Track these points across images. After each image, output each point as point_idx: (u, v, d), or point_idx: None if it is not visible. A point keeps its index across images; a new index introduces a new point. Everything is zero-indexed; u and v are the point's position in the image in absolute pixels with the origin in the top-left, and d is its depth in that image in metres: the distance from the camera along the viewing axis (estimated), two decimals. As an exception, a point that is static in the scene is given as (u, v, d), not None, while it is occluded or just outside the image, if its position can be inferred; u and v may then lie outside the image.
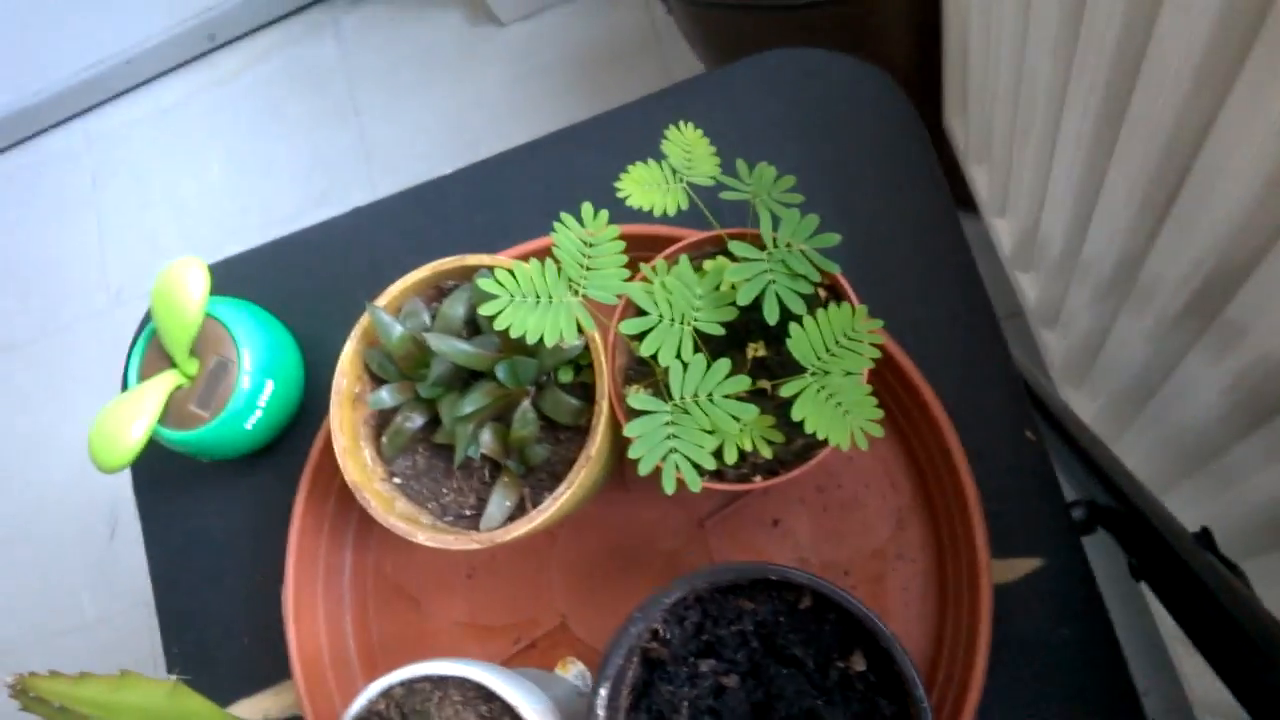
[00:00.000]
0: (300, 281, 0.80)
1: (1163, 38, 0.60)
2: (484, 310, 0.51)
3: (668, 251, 0.59)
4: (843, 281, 0.56)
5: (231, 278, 0.80)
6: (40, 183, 2.00)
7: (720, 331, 0.53)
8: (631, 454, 0.50)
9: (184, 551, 0.78)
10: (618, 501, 0.70)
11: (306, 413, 0.77)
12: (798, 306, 0.52)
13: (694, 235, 0.61)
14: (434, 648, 0.71)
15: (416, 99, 1.82)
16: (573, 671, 0.69)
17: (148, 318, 0.81)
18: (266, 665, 0.74)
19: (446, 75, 1.82)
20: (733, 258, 0.54)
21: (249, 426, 0.72)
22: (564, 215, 0.54)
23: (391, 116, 1.83)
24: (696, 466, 0.51)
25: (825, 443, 0.52)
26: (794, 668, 0.56)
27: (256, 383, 0.71)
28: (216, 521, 0.77)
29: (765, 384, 0.58)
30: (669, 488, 0.49)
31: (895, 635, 0.52)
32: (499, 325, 0.51)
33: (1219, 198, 0.61)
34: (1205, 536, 0.62)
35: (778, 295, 0.52)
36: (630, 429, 0.51)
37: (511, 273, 0.52)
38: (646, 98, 0.78)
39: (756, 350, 0.57)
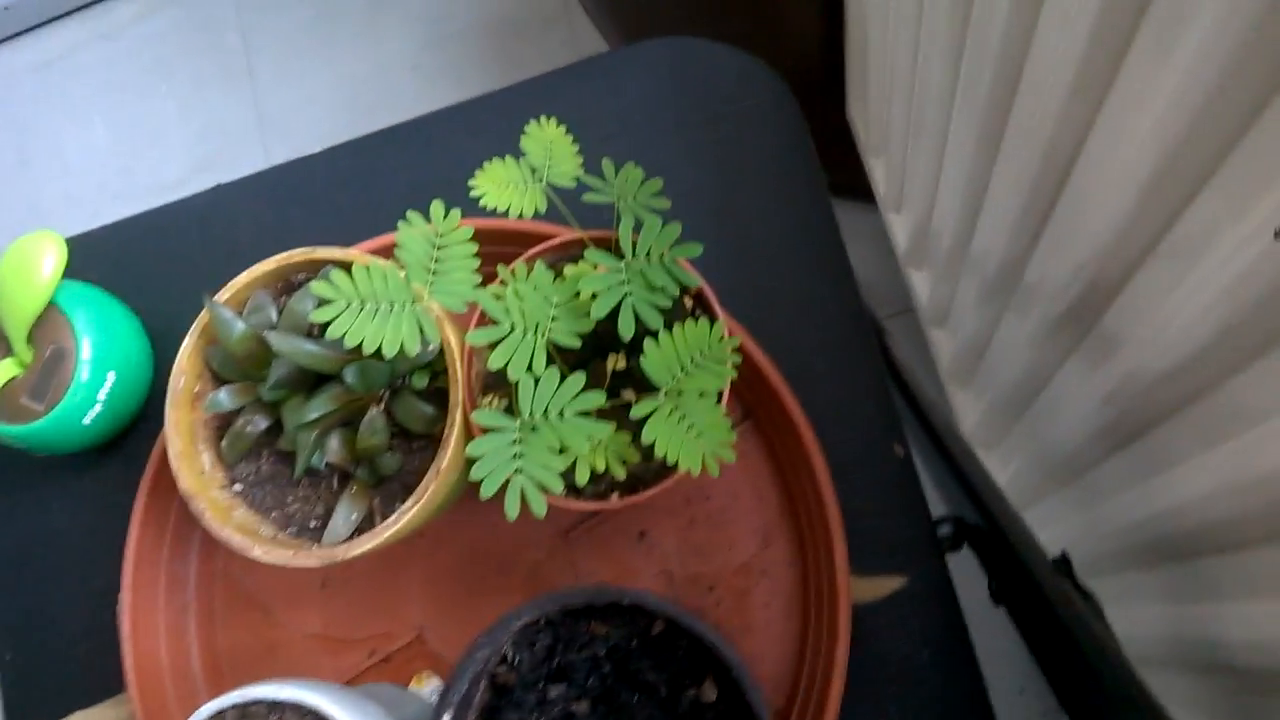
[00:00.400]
0: (151, 265, 0.75)
1: (1042, 43, 0.59)
2: (317, 316, 0.47)
3: (527, 254, 0.56)
4: (707, 293, 0.53)
5: (76, 259, 0.74)
6: (-92, 134, 1.88)
7: (575, 344, 0.51)
8: (473, 475, 0.47)
9: (20, 551, 0.73)
10: (479, 509, 0.67)
11: (154, 407, 0.72)
12: (654, 320, 0.49)
13: (559, 235, 0.58)
14: (284, 660, 0.68)
15: (315, 62, 1.75)
16: (428, 687, 0.66)
17: None
18: (106, 676, 0.70)
19: (347, 38, 1.74)
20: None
21: (87, 421, 0.67)
22: (410, 214, 0.51)
23: (287, 79, 1.75)
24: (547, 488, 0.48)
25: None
26: (646, 694, 0.54)
27: (96, 375, 0.67)
28: (57, 521, 0.72)
29: (629, 397, 0.56)
30: (511, 513, 0.47)
31: (744, 664, 0.50)
32: (333, 333, 0.47)
33: (1096, 205, 0.60)
34: (1064, 562, 0.61)
35: (634, 309, 0.49)
36: (473, 448, 0.48)
37: (349, 273, 0.49)
38: (525, 81, 0.74)
39: (617, 363, 0.54)
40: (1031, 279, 0.74)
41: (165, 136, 1.76)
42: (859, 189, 1.22)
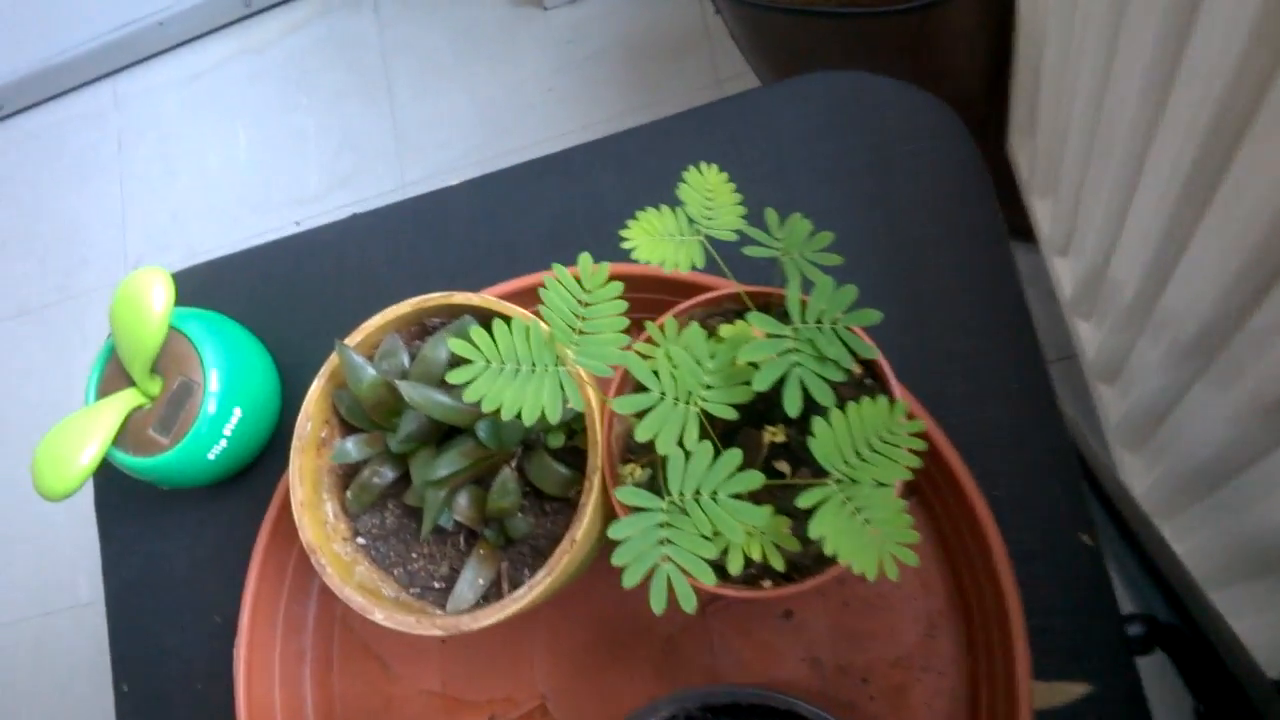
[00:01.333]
0: (283, 295, 0.72)
1: None
2: (452, 377, 0.43)
3: (678, 309, 0.51)
4: (884, 365, 0.47)
5: (206, 286, 0.73)
6: (65, 143, 1.95)
7: (732, 415, 0.45)
8: (615, 560, 0.42)
9: (141, 583, 0.71)
10: (612, 574, 0.62)
11: (280, 443, 0.70)
12: (824, 397, 0.44)
13: (713, 288, 0.52)
14: (399, 717, 0.64)
15: (452, 81, 1.74)
16: (548, 760, 0.61)
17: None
18: (222, 715, 0.68)
19: (484, 58, 1.74)
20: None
21: (212, 457, 0.65)
22: (556, 266, 0.46)
23: (424, 97, 1.75)
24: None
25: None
26: (793, 806, 0.48)
27: (223, 409, 0.64)
28: (179, 553, 0.71)
29: (784, 469, 0.50)
30: (658, 607, 0.41)
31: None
32: (469, 396, 0.43)
33: None
34: (1290, 686, 0.53)
35: (802, 381, 0.44)
36: (616, 529, 0.43)
37: (488, 326, 0.45)
38: (677, 116, 0.70)
39: (775, 435, 0.49)
40: (1241, 350, 0.65)
41: (304, 151, 1.78)
42: (1014, 227, 1.13)
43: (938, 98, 0.62)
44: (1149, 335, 0.83)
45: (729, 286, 0.52)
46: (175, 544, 0.71)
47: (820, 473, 0.46)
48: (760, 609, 0.60)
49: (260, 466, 0.70)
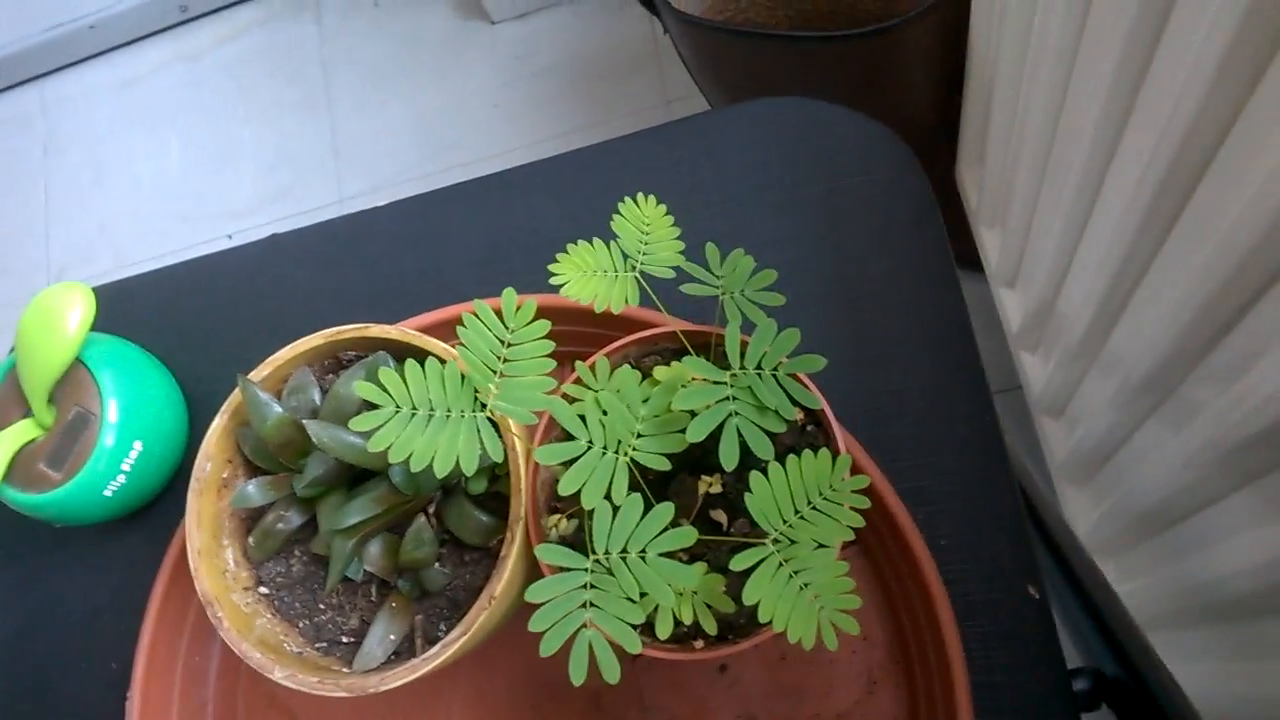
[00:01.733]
0: (193, 321, 0.68)
1: (1253, 119, 0.49)
2: (357, 424, 0.39)
3: (610, 348, 0.48)
4: (828, 415, 0.44)
5: (110, 309, 0.68)
6: (-11, 147, 1.87)
7: (665, 466, 0.42)
8: (533, 626, 0.39)
9: (28, 627, 0.66)
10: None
11: (188, 476, 0.65)
12: (763, 450, 0.40)
13: (649, 324, 0.49)
14: (307, 775, 0.60)
15: (394, 94, 1.70)
16: (466, 824, 0.57)
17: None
18: (115, 772, 0.63)
19: (428, 71, 1.70)
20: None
21: (109, 493, 0.60)
22: (477, 303, 0.42)
23: (365, 110, 1.71)
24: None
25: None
26: None
27: (122, 442, 0.60)
28: (73, 596, 0.66)
29: (720, 519, 0.47)
30: (577, 677, 0.38)
31: None
32: (375, 445, 0.39)
33: None
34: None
35: (739, 432, 0.41)
36: (535, 592, 0.39)
37: (400, 367, 0.41)
38: (621, 138, 0.66)
39: (711, 485, 0.45)
40: (1198, 389, 0.63)
41: (239, 162, 1.73)
42: (960, 256, 1.12)
43: (888, 128, 0.60)
44: (1099, 371, 0.82)
45: (666, 324, 0.49)
46: (69, 585, 0.66)
47: (758, 526, 0.43)
48: (693, 664, 0.57)
49: (164, 503, 0.65)
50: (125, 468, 0.60)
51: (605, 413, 0.42)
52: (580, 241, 0.44)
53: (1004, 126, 0.91)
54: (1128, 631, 0.59)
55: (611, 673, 0.38)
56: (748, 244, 0.61)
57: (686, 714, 0.57)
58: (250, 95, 1.76)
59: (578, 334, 0.59)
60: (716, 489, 0.45)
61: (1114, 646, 0.58)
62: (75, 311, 0.58)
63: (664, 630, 0.41)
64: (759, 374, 0.42)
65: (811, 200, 0.61)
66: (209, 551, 0.51)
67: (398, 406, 0.40)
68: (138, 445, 0.60)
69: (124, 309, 0.68)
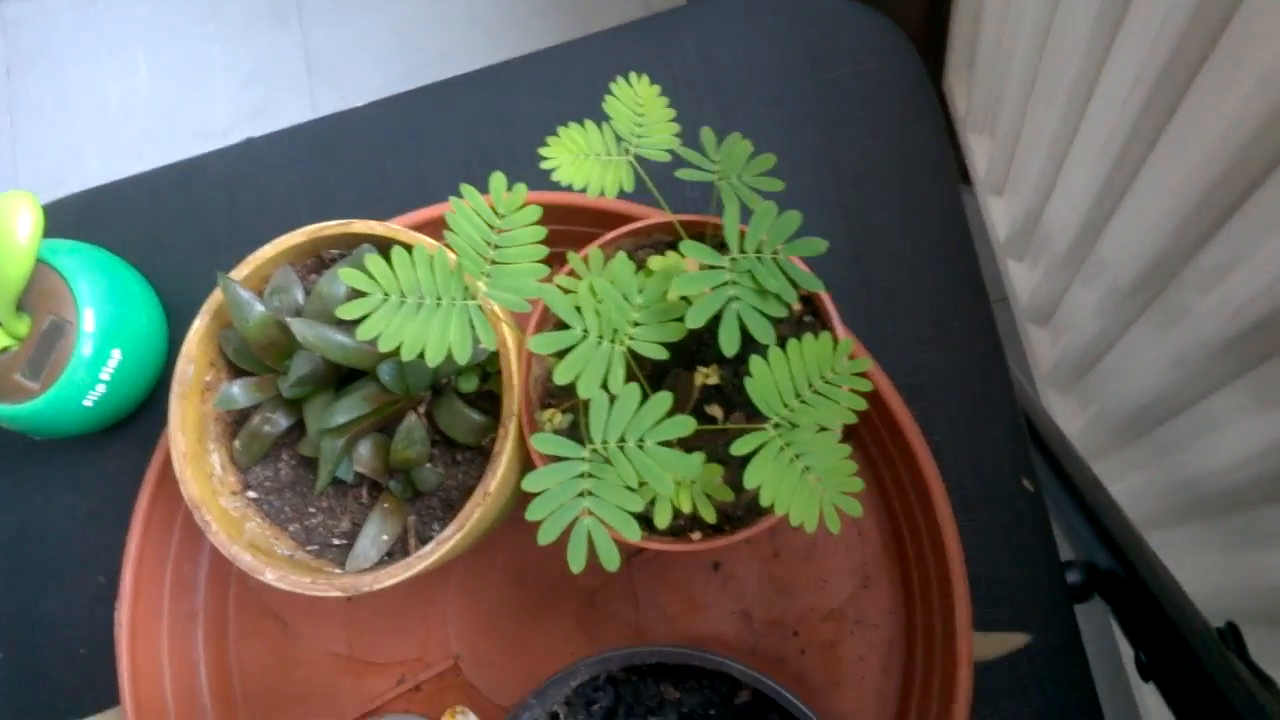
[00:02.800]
0: (170, 227, 0.66)
1: (1249, 22, 0.47)
2: (345, 311, 0.38)
3: (603, 239, 0.46)
4: (826, 302, 0.43)
5: (84, 217, 0.66)
6: (-54, 69, 1.81)
7: (663, 355, 0.41)
8: (531, 515, 0.38)
9: (13, 542, 0.65)
10: (529, 528, 0.58)
11: (167, 388, 0.64)
12: (764, 334, 0.40)
13: (644, 217, 0.48)
14: (302, 681, 0.60)
15: (369, 6, 1.65)
16: (463, 724, 0.57)
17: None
18: (108, 684, 0.62)
19: (404, -18, 1.64)
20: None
21: (89, 403, 0.59)
22: (465, 188, 0.41)
23: (339, 23, 1.66)
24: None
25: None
26: (724, 771, 0.45)
27: (100, 350, 0.58)
28: (56, 510, 0.65)
29: (716, 414, 0.46)
30: (576, 565, 0.37)
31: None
32: (364, 333, 0.38)
33: None
34: (1233, 636, 0.51)
35: (739, 317, 0.40)
36: (531, 481, 0.38)
37: (388, 257, 0.40)
38: (607, 31, 0.64)
39: (708, 376, 0.45)
40: (1186, 290, 0.63)
41: (210, 80, 1.68)
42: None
43: (889, 19, 0.58)
44: (1086, 277, 0.81)
45: (659, 215, 0.47)
46: (51, 500, 0.65)
47: (755, 418, 0.42)
48: (687, 560, 0.57)
49: (145, 413, 0.64)
50: (104, 377, 0.59)
51: (600, 301, 0.41)
52: (571, 124, 0.43)
53: (994, 33, 0.89)
54: (1119, 524, 0.59)
55: (611, 560, 0.38)
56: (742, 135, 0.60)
57: (680, 610, 0.57)
58: (219, 11, 1.71)
59: (568, 233, 0.58)
60: (714, 380, 0.45)
61: (1105, 538, 0.59)
62: (24, 219, 0.56)
63: (662, 520, 0.41)
64: (758, 258, 0.40)
65: (808, 92, 0.59)
66: (195, 456, 0.50)
67: (385, 295, 0.39)
68: (116, 354, 0.59)
69: (98, 217, 0.66)
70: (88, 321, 0.58)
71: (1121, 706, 0.96)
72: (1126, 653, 0.85)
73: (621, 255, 0.43)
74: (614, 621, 0.57)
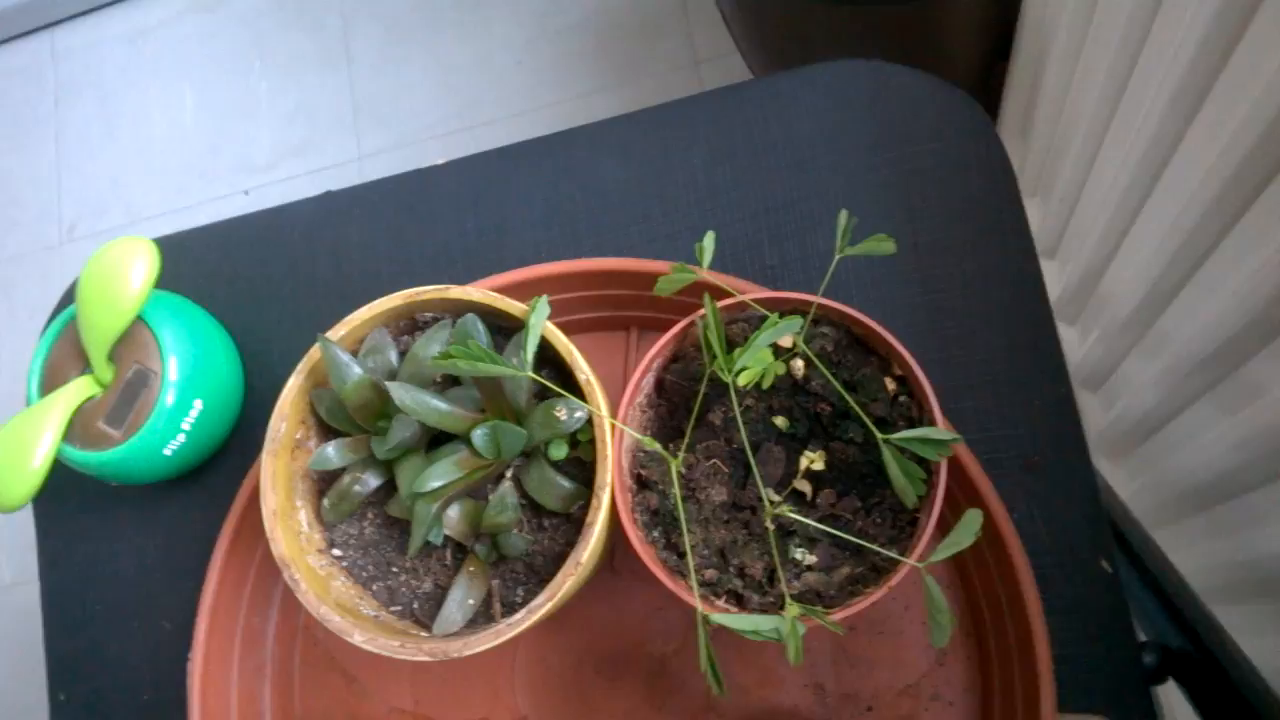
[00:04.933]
0: (247, 276, 0.67)
1: None
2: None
3: (703, 314, 0.47)
4: (930, 399, 0.44)
5: (165, 264, 0.67)
6: (-1, 96, 1.84)
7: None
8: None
9: (83, 584, 0.65)
10: (601, 589, 0.58)
11: (243, 436, 0.65)
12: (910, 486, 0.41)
13: (731, 289, 0.48)
14: (367, 737, 0.60)
15: (416, 48, 1.67)
16: (530, 788, 0.57)
17: (59, 306, 0.68)
18: (169, 728, 0.63)
19: (450, 25, 1.67)
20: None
21: (168, 452, 0.59)
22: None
23: (386, 65, 1.68)
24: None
25: (879, 577, 0.42)
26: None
27: (182, 400, 0.59)
28: (125, 554, 0.65)
29: (805, 490, 0.46)
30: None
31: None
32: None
33: None
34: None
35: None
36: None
37: (490, 327, 0.40)
38: (679, 101, 0.65)
39: (813, 461, 0.45)
40: (1258, 373, 0.63)
41: (255, 117, 1.70)
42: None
43: (975, 101, 0.59)
44: (1145, 349, 0.81)
45: (749, 289, 0.48)
46: (122, 544, 0.65)
47: (844, 497, 0.43)
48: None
49: (217, 463, 0.65)
50: (185, 427, 0.59)
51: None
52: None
53: (1055, 98, 0.90)
54: (1189, 603, 0.59)
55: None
56: (819, 208, 0.60)
57: (753, 683, 0.57)
58: (267, 48, 1.73)
59: (638, 299, 0.58)
60: (819, 466, 0.45)
61: (1177, 619, 0.58)
62: (139, 267, 0.57)
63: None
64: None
65: (884, 166, 0.60)
66: (284, 513, 0.50)
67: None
68: (198, 404, 0.60)
69: (178, 265, 0.67)
70: (172, 370, 0.59)
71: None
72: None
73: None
74: (685, 690, 0.57)
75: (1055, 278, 1.02)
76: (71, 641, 0.65)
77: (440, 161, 0.67)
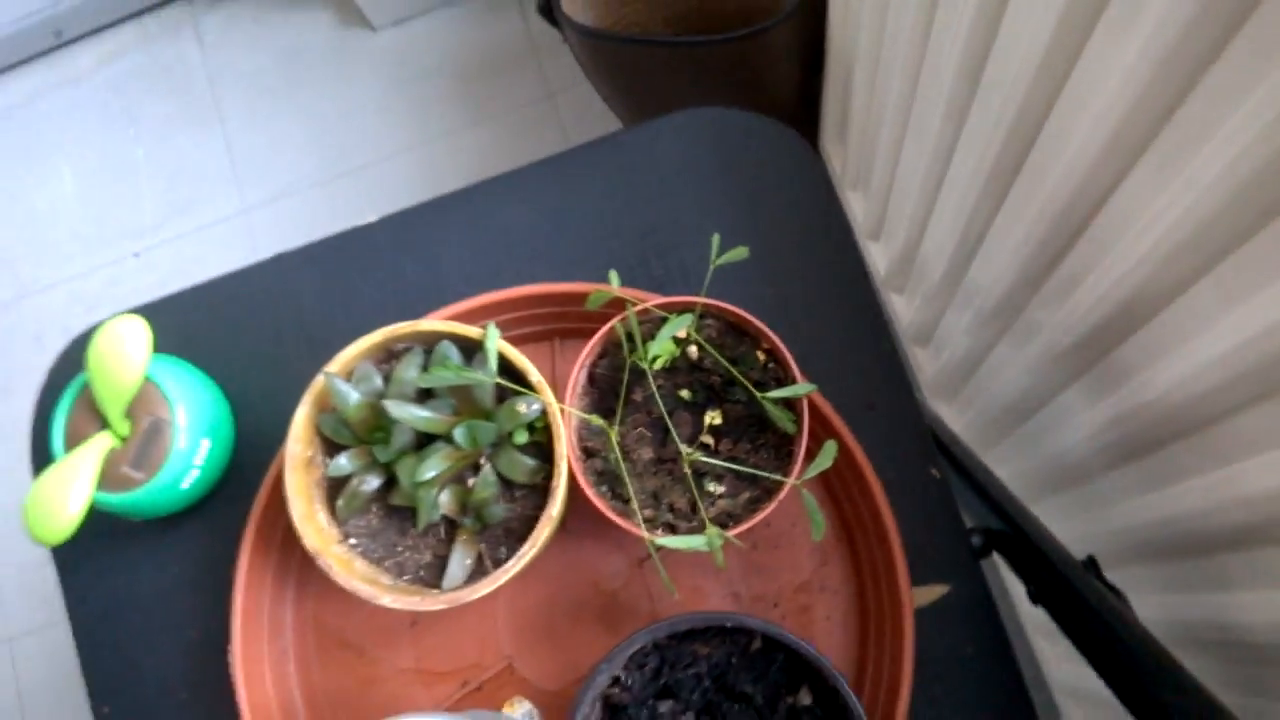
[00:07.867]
0: (222, 333, 0.79)
1: (1080, 84, 0.64)
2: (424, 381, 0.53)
3: (611, 323, 0.63)
4: (789, 361, 0.61)
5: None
6: None
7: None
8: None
9: (113, 609, 0.77)
10: (560, 546, 0.74)
11: (236, 466, 0.77)
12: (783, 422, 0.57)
13: (616, 308, 0.64)
14: (381, 694, 0.73)
15: (284, 104, 1.78)
16: (520, 710, 0.72)
17: (56, 374, 0.79)
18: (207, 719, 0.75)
19: (315, 79, 1.78)
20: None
21: (185, 486, 0.72)
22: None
23: (257, 120, 1.78)
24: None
25: (770, 496, 0.58)
26: (745, 703, 0.61)
27: (193, 442, 0.71)
28: (143, 581, 0.77)
29: (708, 441, 0.63)
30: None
31: (842, 674, 0.58)
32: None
33: (1117, 258, 0.67)
34: (1091, 564, 0.70)
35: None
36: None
37: (461, 349, 0.55)
38: (575, 149, 0.81)
39: (714, 418, 0.61)
40: (1036, 315, 0.82)
41: (136, 182, 1.77)
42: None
43: (791, 129, 0.76)
44: (957, 305, 1.01)
45: (654, 299, 0.64)
46: (139, 573, 0.77)
47: (739, 443, 0.60)
48: (687, 558, 0.73)
49: (217, 496, 0.77)
50: (197, 463, 0.72)
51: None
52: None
53: (863, 101, 1.09)
54: (1005, 497, 0.78)
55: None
56: (689, 227, 0.77)
57: (686, 598, 0.73)
58: (138, 115, 1.81)
59: (560, 314, 0.74)
60: (717, 421, 0.62)
61: (996, 508, 0.77)
62: (139, 339, 0.69)
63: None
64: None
65: (732, 189, 0.77)
66: (308, 515, 0.64)
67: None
68: (205, 443, 0.72)
69: (161, 329, 0.79)
70: (180, 417, 0.71)
71: (1015, 630, 1.17)
72: (1017, 590, 1.05)
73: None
74: (635, 614, 0.73)
75: (882, 255, 1.22)
76: (107, 662, 0.76)
77: (373, 219, 0.81)
